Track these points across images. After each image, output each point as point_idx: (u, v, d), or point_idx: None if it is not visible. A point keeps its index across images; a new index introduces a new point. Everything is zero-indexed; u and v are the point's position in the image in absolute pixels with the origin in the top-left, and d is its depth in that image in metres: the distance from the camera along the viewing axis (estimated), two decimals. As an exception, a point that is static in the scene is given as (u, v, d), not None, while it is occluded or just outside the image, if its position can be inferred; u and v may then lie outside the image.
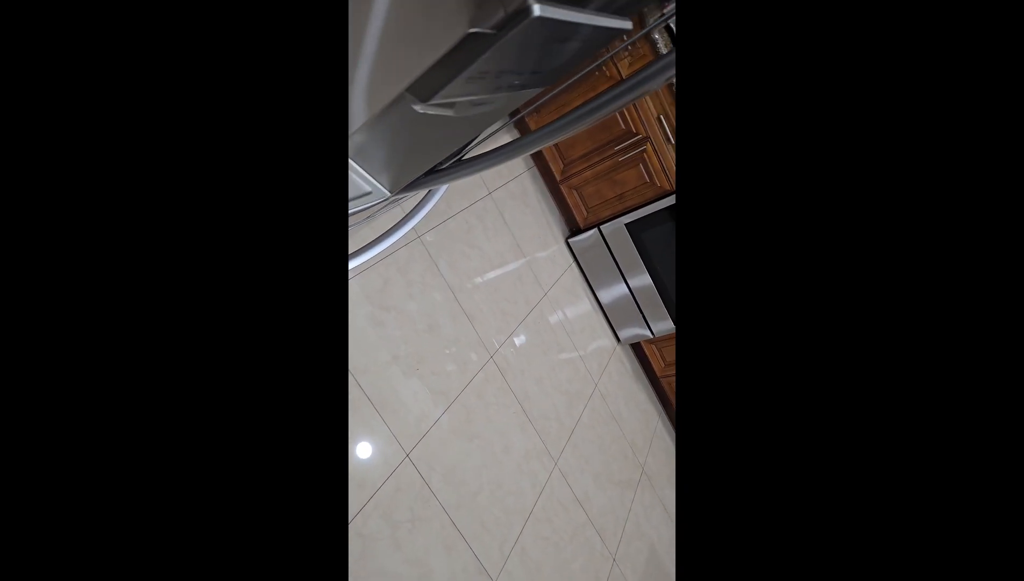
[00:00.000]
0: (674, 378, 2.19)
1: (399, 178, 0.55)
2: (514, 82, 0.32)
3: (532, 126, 1.98)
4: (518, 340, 1.75)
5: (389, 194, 0.57)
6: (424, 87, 0.27)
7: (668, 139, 1.78)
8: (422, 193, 0.99)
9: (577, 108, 0.46)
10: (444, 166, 0.55)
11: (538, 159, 2.06)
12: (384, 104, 0.33)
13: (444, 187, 0.98)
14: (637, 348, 2.27)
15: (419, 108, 0.36)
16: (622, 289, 2.08)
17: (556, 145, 1.98)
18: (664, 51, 1.68)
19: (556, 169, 2.03)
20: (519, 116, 0.62)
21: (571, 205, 2.06)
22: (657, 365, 2.21)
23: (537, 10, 0.24)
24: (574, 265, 2.13)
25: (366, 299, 1.32)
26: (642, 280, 2.02)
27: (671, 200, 1.84)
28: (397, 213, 1.06)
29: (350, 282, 1.30)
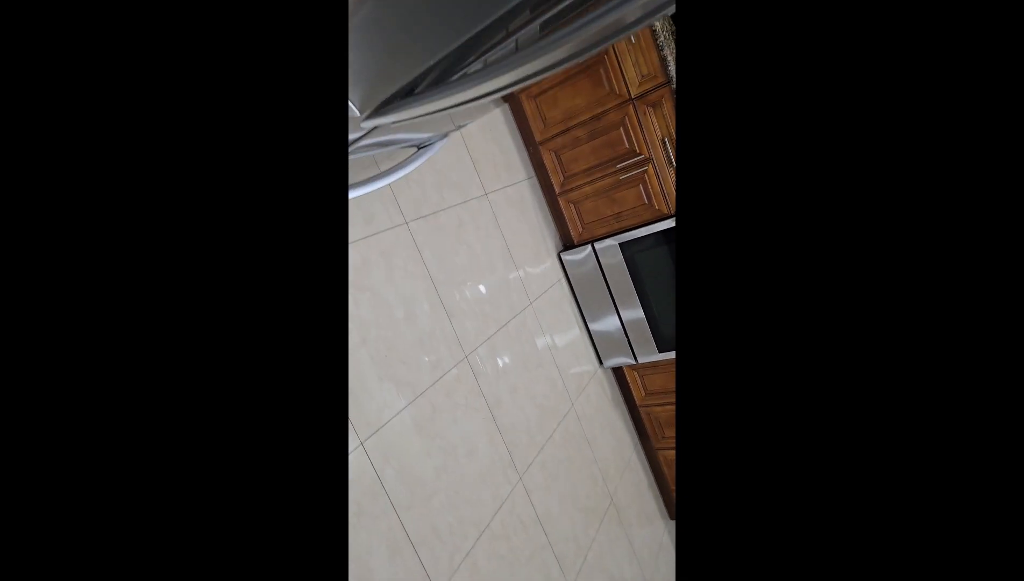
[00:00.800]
0: (653, 408, 2.12)
1: (370, 95, 0.51)
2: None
3: (525, 104, 1.98)
4: (496, 345, 1.69)
5: (359, 113, 0.53)
6: None
7: (670, 162, 1.77)
8: (407, 153, 0.96)
9: (562, 28, 0.42)
10: (420, 89, 0.52)
11: (539, 169, 2.05)
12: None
13: (435, 148, 0.94)
14: (619, 373, 2.21)
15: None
16: (612, 317, 2.04)
17: (559, 158, 1.98)
18: (670, 58, 1.69)
19: (556, 181, 2.01)
20: (510, 89, 0.59)
21: (567, 219, 2.04)
22: (638, 394, 2.15)
23: None
24: (564, 281, 2.10)
25: (342, 275, 1.28)
26: (633, 312, 1.98)
27: (667, 224, 1.82)
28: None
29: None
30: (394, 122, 0.61)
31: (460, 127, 1.33)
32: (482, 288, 1.70)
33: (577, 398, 1.99)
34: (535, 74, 0.47)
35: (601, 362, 2.15)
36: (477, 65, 0.50)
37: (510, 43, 0.50)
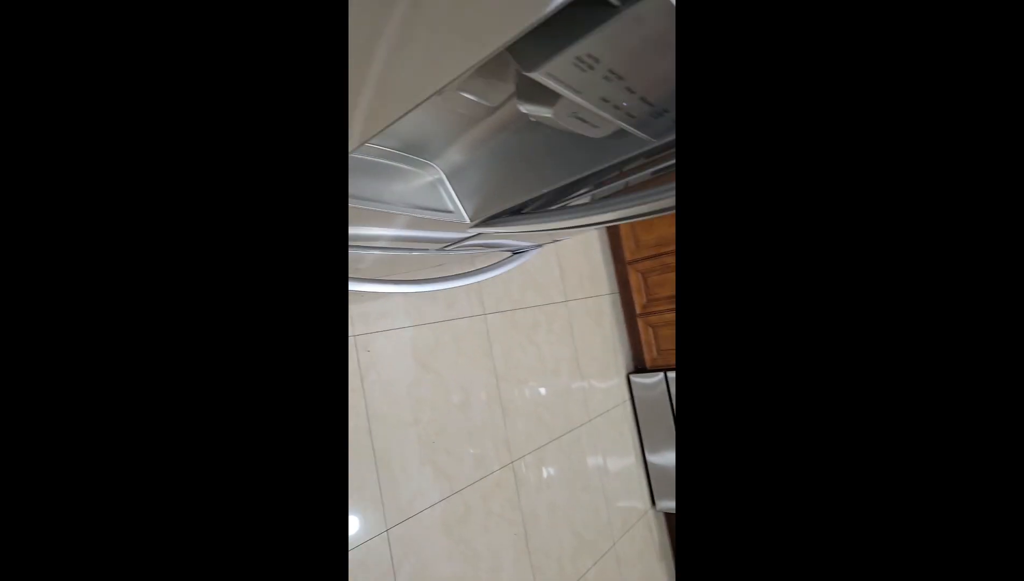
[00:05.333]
0: (705, 573, 1.86)
1: (482, 207, 0.55)
2: (621, 103, 0.31)
3: (626, 240, 2.01)
4: (545, 456, 1.61)
5: (468, 220, 0.57)
6: (530, 50, 0.26)
7: (762, 307, 1.70)
8: (502, 256, 1.00)
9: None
10: (527, 210, 0.55)
11: (623, 287, 2.05)
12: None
13: (529, 255, 0.98)
14: (671, 520, 1.99)
15: (523, 107, 0.35)
16: (673, 452, 1.89)
17: (645, 280, 1.98)
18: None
19: (639, 302, 2.00)
20: (612, 223, 0.61)
21: (643, 341, 1.99)
22: (689, 550, 1.90)
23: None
24: (628, 404, 2.00)
25: (413, 352, 1.31)
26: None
27: (750, 369, 1.71)
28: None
29: (408, 330, 1.30)
30: (496, 232, 0.64)
31: (556, 241, 1.38)
32: (543, 390, 1.66)
33: (621, 537, 1.80)
34: (640, 215, 0.49)
35: (654, 503, 1.96)
36: (585, 198, 0.52)
37: (621, 182, 0.52)
